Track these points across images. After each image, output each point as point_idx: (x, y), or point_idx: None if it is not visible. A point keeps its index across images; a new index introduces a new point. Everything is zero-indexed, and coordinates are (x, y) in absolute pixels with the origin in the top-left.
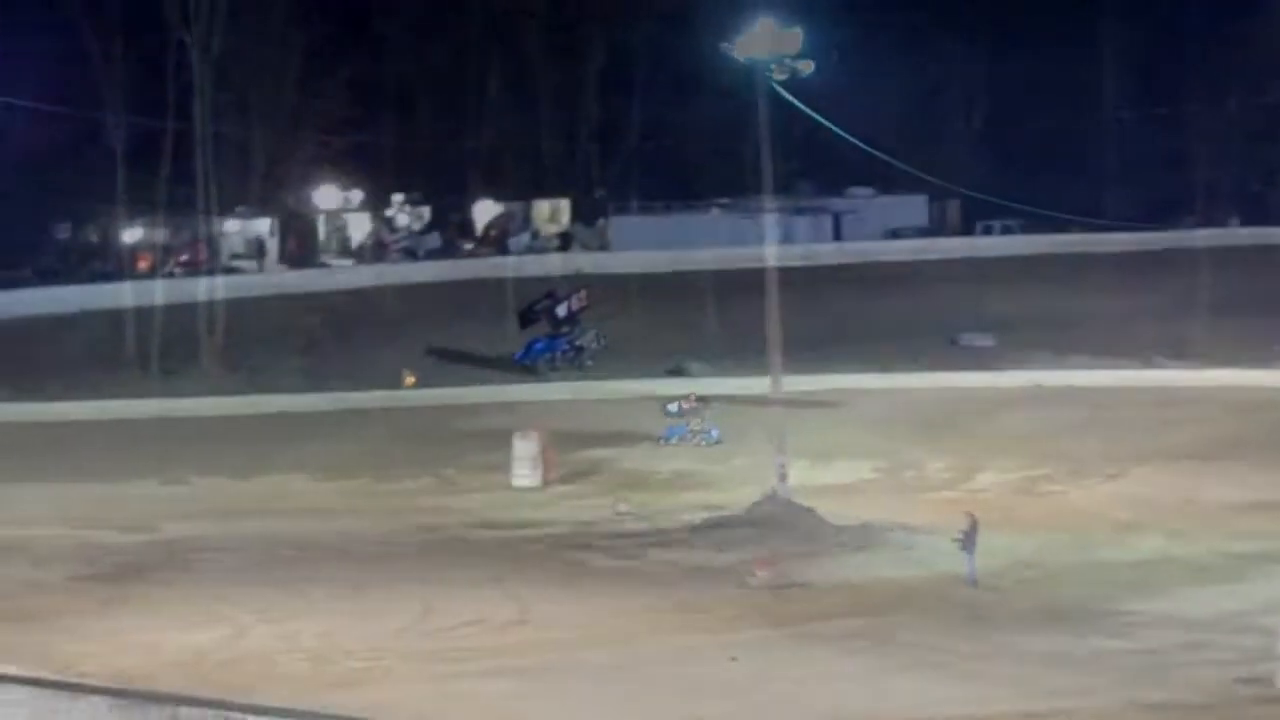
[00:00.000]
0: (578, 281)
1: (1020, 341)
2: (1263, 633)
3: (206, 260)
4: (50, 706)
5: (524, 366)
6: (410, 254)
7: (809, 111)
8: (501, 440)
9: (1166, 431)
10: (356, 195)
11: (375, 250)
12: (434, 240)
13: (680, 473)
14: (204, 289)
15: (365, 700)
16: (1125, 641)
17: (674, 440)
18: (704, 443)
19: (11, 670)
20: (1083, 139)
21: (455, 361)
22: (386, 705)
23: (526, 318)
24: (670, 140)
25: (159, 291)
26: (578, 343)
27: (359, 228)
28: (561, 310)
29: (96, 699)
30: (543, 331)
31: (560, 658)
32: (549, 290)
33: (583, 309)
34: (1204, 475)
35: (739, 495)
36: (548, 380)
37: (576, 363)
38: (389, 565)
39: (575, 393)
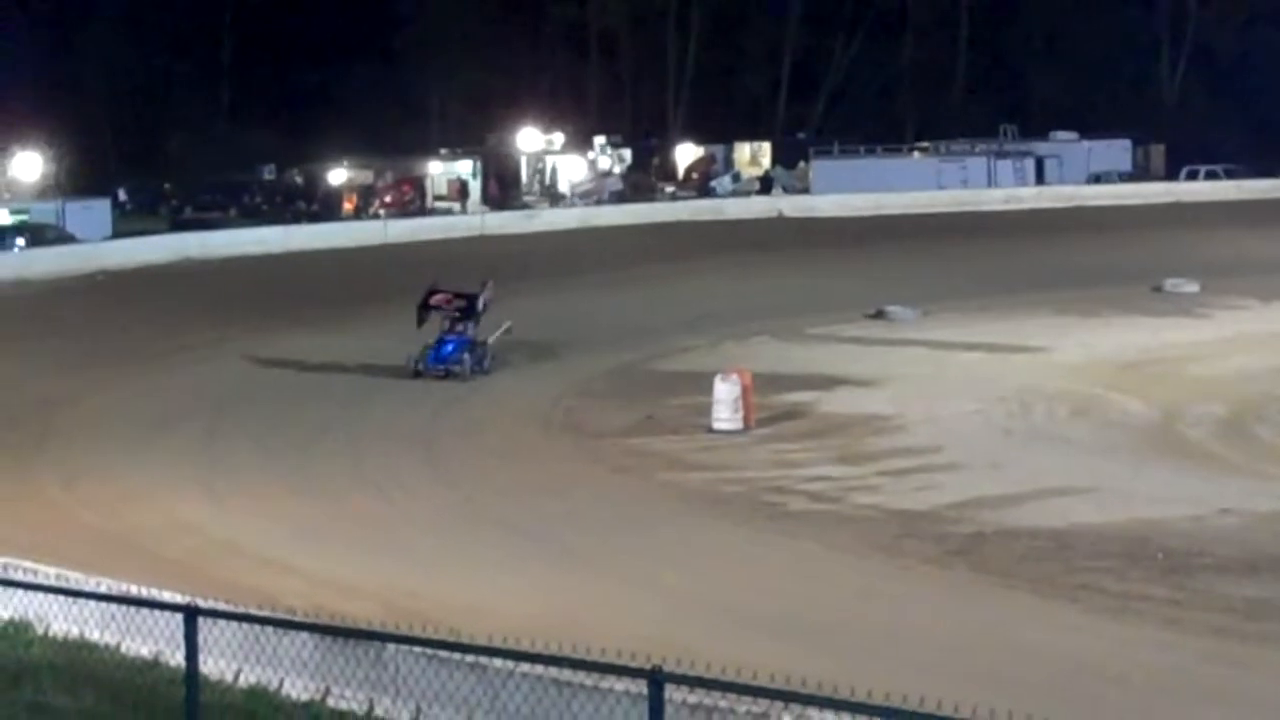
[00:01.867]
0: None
1: (1226, 288)
2: None
3: (412, 201)
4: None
5: (440, 374)
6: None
7: None
8: (703, 383)
9: None
10: (559, 137)
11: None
12: (615, 183)
13: (881, 416)
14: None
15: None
16: None
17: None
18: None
19: (221, 605)
20: None
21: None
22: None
23: (422, 314)
24: (874, 82)
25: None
26: (482, 340)
27: (565, 170)
28: (480, 304)
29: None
30: (445, 328)
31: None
32: (432, 285)
33: (489, 303)
34: None
35: (937, 439)
36: (479, 378)
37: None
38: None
39: (777, 335)
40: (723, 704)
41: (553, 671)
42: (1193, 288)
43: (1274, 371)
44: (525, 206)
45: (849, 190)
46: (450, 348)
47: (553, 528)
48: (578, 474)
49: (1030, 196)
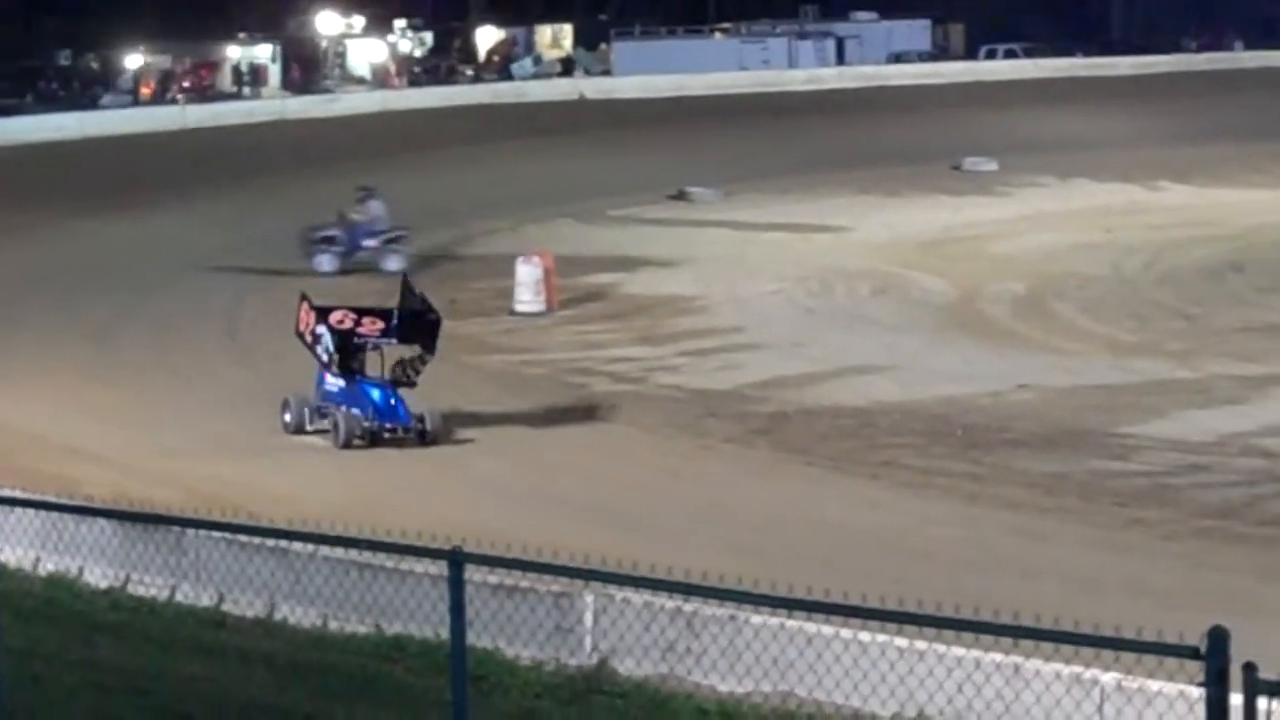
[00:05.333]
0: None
1: (1024, 166)
2: (1264, 455)
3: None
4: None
5: (416, 431)
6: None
7: None
8: (505, 266)
9: (1170, 254)
10: (359, 21)
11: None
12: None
13: (683, 297)
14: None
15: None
16: (1125, 464)
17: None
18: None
19: (17, 493)
20: None
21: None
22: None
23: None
24: None
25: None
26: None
27: (363, 54)
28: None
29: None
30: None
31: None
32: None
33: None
34: (1208, 296)
35: (739, 319)
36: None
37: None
38: None
39: (579, 217)
40: (524, 584)
41: (354, 554)
42: (992, 166)
43: (1072, 249)
44: (326, 91)
45: (651, 72)
46: (389, 396)
47: None
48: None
49: (831, 77)
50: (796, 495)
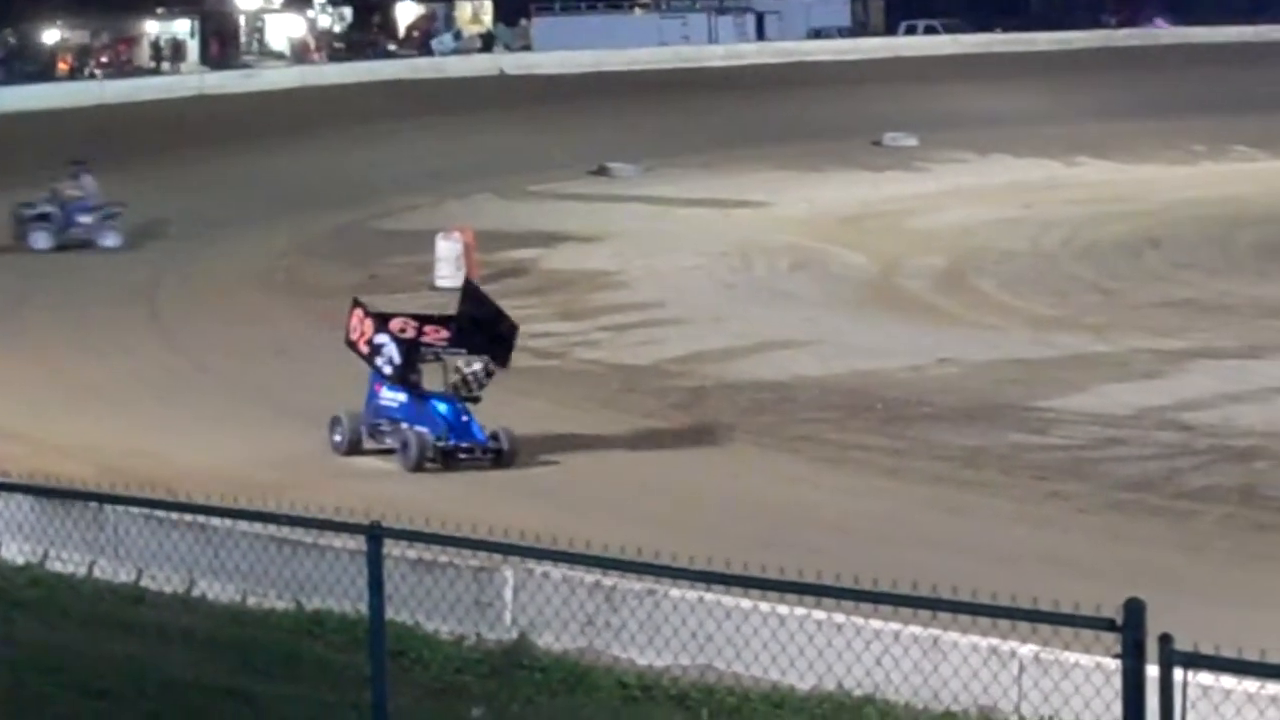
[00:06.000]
0: None
1: (943, 142)
2: (1180, 428)
3: (129, 62)
4: None
5: (489, 453)
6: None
7: None
8: (425, 241)
9: (1089, 229)
10: None
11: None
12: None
13: (603, 272)
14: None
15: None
16: (1043, 437)
17: None
18: None
19: None
20: None
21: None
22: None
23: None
24: None
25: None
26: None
27: (282, 29)
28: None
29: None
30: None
31: None
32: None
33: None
34: (1126, 271)
35: (659, 294)
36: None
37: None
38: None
39: (499, 193)
40: (443, 559)
41: (273, 529)
42: (911, 141)
43: (990, 223)
44: (244, 66)
45: (571, 47)
46: (460, 412)
47: (275, 388)
48: (300, 334)
49: (751, 52)
50: (716, 469)
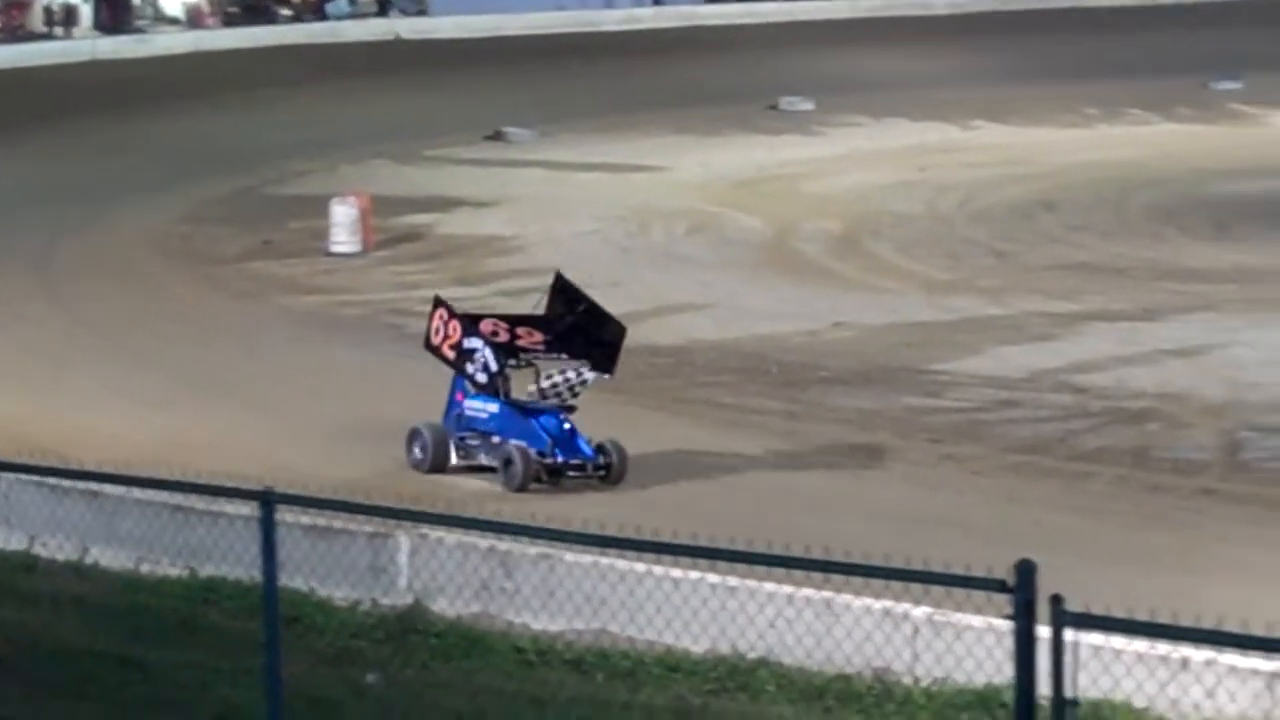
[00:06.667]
0: None
1: (840, 106)
2: (1074, 390)
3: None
4: None
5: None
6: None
7: None
8: (320, 206)
9: (984, 192)
10: None
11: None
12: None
13: (500, 237)
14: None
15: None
16: (938, 400)
17: None
18: None
19: None
20: None
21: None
22: None
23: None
24: None
25: None
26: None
27: None
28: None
29: None
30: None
31: None
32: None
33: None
34: (1020, 234)
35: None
36: None
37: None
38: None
39: (395, 158)
40: (337, 524)
41: (165, 496)
42: (808, 105)
43: (886, 187)
44: (138, 31)
45: (467, 12)
46: (562, 423)
47: (170, 353)
48: (196, 299)
49: (648, 17)
50: (613, 434)
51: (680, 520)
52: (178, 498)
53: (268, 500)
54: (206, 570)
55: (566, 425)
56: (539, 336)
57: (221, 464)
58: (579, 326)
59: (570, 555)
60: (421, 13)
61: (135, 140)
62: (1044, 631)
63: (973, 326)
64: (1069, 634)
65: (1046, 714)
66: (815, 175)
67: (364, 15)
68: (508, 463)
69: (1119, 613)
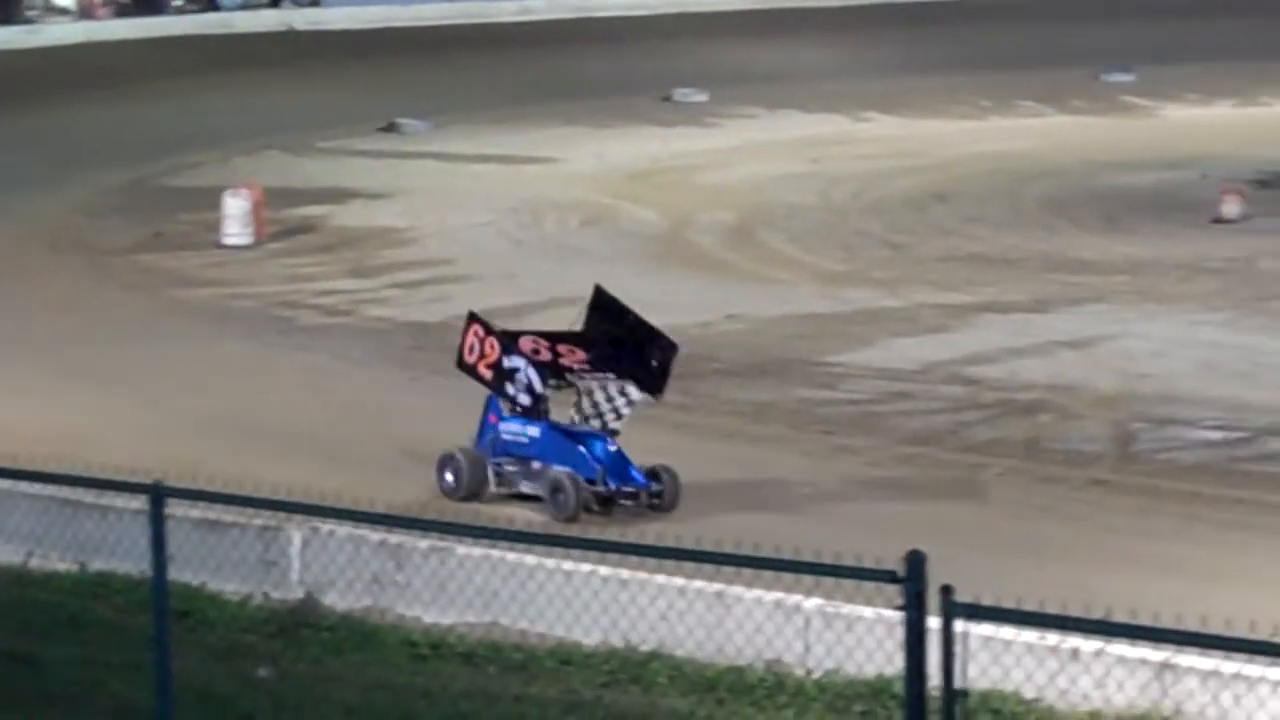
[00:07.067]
0: None
1: (733, 97)
2: (966, 382)
3: None
4: None
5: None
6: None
7: None
8: (212, 198)
9: (877, 184)
10: None
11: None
12: None
13: (393, 229)
14: None
15: None
16: (831, 392)
17: None
18: None
19: None
20: None
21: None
22: None
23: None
24: None
25: None
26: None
27: None
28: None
29: None
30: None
31: None
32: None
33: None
34: (913, 226)
35: (450, 251)
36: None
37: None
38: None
39: (288, 150)
40: (227, 518)
41: (54, 489)
42: (701, 97)
43: (780, 179)
44: (28, 22)
45: (359, 3)
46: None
47: (61, 345)
48: (87, 291)
49: (541, 8)
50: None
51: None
52: (66, 491)
53: (157, 493)
54: (96, 564)
55: (614, 449)
56: (581, 355)
57: (110, 457)
58: (623, 343)
59: (462, 548)
60: (314, 4)
61: (25, 132)
62: (934, 622)
63: (866, 318)
64: (959, 625)
65: (937, 704)
66: (709, 167)
67: (256, 6)
68: (556, 490)
69: (1009, 603)
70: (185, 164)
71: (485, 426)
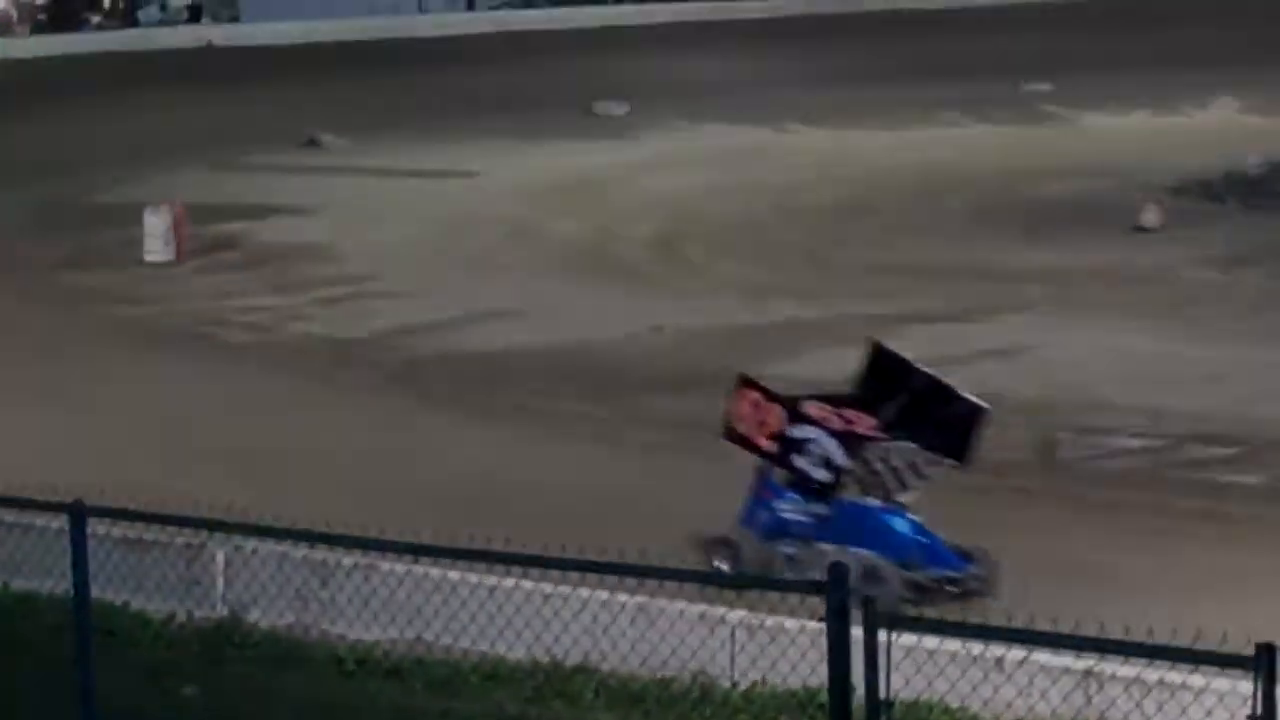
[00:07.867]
0: None
1: (655, 110)
2: None
3: None
4: None
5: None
6: None
7: None
8: (133, 215)
9: (800, 195)
10: None
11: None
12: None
13: (315, 245)
14: None
15: None
16: None
17: None
18: None
19: None
20: None
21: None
22: None
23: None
24: None
25: None
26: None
27: None
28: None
29: None
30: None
31: None
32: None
33: None
34: (837, 237)
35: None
36: None
37: None
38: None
39: (209, 166)
40: (148, 536)
41: None
42: (623, 110)
43: (703, 191)
44: None
45: (280, 18)
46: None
47: None
48: (7, 310)
49: (461, 23)
50: (429, 441)
51: (494, 528)
52: None
53: (78, 513)
54: (19, 584)
55: (921, 528)
56: (870, 421)
57: (31, 477)
58: (920, 406)
59: (386, 564)
60: (234, 19)
61: None
62: (857, 633)
63: (789, 329)
64: (882, 635)
65: (862, 714)
66: (631, 179)
67: (176, 22)
68: (879, 581)
69: (932, 613)
70: (106, 181)
71: (758, 503)
